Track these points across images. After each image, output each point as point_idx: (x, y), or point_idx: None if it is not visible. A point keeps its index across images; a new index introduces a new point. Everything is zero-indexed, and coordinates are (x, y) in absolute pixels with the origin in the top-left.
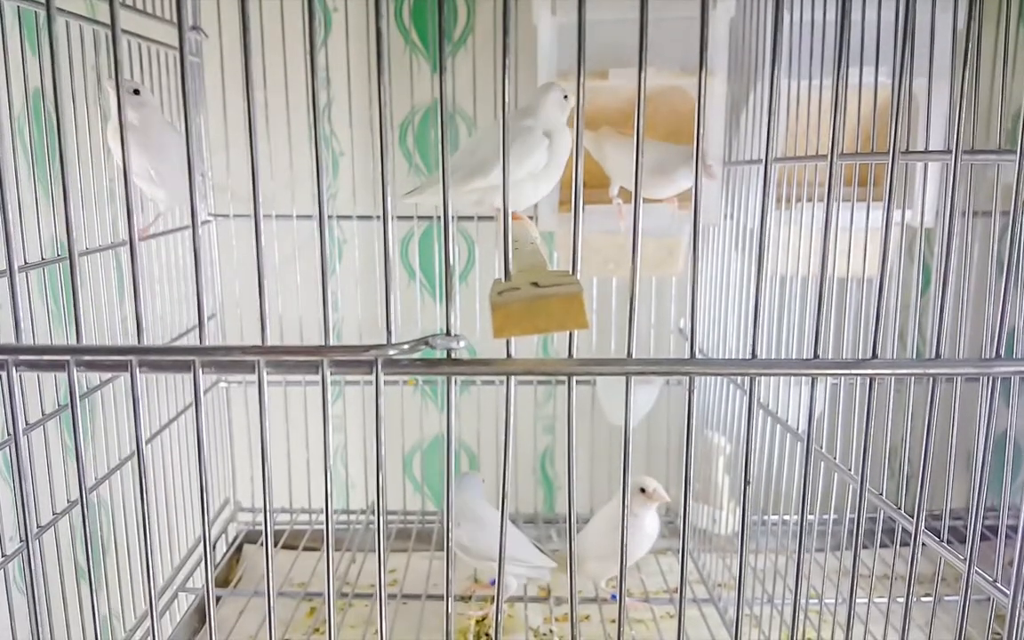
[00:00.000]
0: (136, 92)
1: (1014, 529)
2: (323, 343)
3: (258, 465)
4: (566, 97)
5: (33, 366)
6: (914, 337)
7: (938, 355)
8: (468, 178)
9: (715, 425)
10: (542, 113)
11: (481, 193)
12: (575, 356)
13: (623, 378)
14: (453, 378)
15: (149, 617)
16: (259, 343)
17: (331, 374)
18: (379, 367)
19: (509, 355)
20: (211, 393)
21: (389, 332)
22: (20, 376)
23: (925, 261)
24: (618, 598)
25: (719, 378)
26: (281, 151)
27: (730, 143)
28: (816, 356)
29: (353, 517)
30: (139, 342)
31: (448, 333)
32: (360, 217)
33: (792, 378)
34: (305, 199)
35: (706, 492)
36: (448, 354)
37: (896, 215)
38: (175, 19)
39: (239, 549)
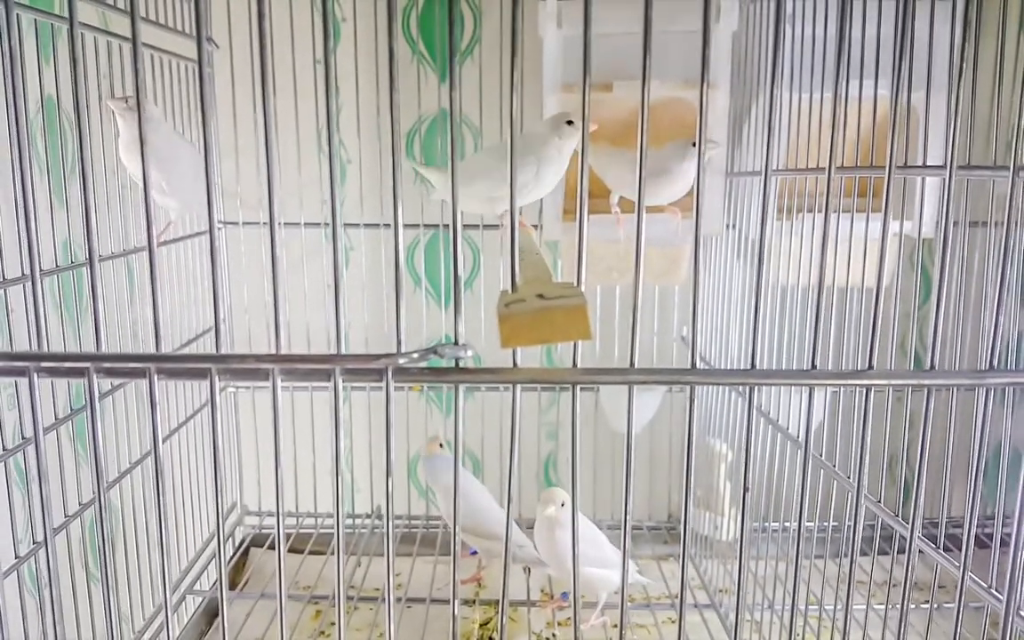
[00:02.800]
0: None
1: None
2: (335, 352)
3: (265, 469)
4: (570, 123)
5: (54, 373)
6: (912, 346)
7: (933, 366)
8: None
9: (717, 432)
10: (545, 139)
11: (479, 204)
12: (579, 364)
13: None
14: (460, 386)
15: (164, 616)
16: (273, 351)
17: (343, 383)
18: (389, 375)
19: (515, 364)
20: (219, 397)
21: (399, 341)
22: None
23: (926, 270)
24: (620, 602)
25: (720, 386)
26: (289, 159)
27: (732, 155)
28: (814, 367)
29: (358, 521)
30: (157, 350)
31: (456, 342)
32: (367, 225)
33: (793, 386)
34: (312, 206)
35: (708, 499)
36: (456, 363)
37: (895, 227)
38: (187, 30)
39: (246, 552)
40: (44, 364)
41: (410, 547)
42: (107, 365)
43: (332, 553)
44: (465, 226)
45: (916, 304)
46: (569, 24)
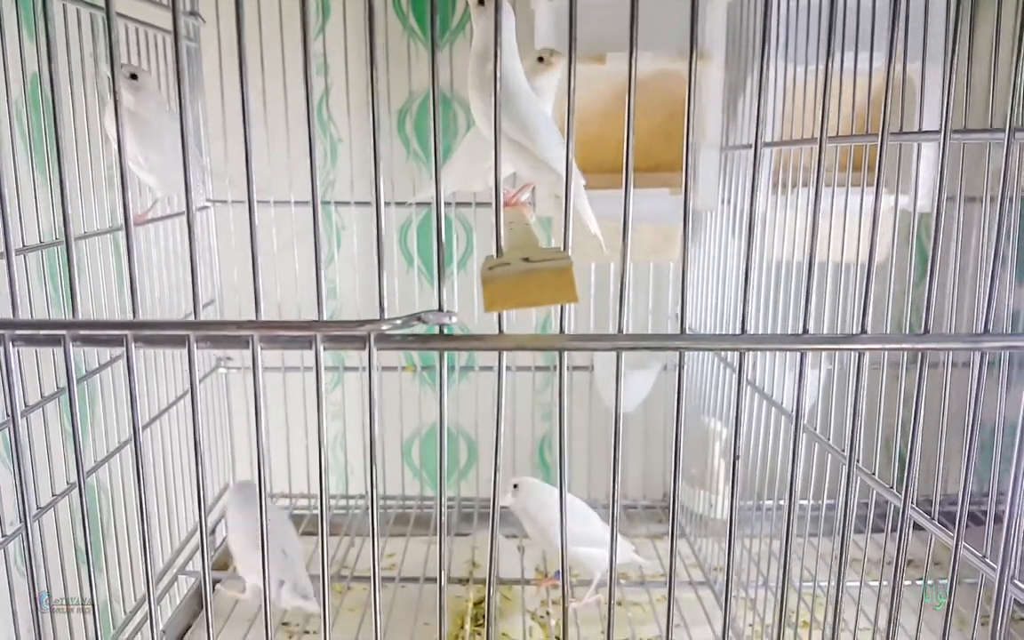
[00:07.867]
0: (134, 76)
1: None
2: (317, 319)
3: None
4: (540, 59)
5: (30, 341)
6: (907, 320)
7: (927, 331)
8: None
9: (711, 411)
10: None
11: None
12: (567, 332)
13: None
14: (445, 353)
15: (147, 602)
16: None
17: (325, 349)
18: (372, 342)
19: (500, 330)
20: (211, 378)
21: (382, 307)
22: (18, 353)
23: (922, 246)
24: (609, 580)
25: (714, 363)
26: (279, 137)
27: (727, 128)
28: (806, 331)
29: (352, 502)
30: (134, 317)
31: (440, 309)
32: (358, 203)
33: (788, 361)
34: (303, 185)
35: (703, 477)
36: (440, 330)
37: (890, 201)
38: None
39: None
40: (19, 332)
41: (404, 528)
42: (83, 333)
43: (330, 533)
44: (458, 204)
45: (912, 280)
46: None
